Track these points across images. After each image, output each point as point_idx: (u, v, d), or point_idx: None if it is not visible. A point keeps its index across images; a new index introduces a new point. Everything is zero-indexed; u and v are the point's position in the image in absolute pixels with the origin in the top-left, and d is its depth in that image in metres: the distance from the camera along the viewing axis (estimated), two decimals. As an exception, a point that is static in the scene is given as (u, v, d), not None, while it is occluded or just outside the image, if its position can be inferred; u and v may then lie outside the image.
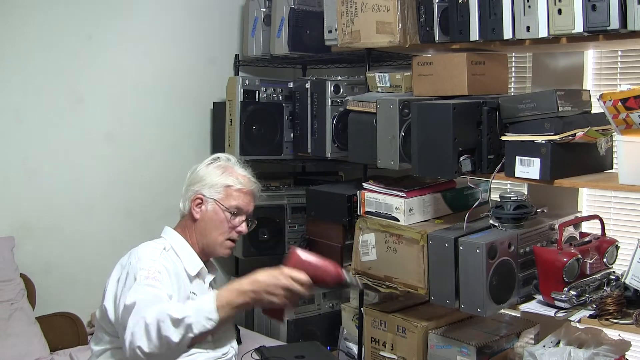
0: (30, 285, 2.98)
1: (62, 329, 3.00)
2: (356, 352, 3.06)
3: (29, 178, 3.10)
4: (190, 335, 1.69)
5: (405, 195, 2.61)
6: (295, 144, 3.38)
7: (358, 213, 2.79)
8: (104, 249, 3.35)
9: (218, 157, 2.28)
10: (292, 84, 3.46)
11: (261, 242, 3.36)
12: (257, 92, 3.43)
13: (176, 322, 1.69)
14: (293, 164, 3.88)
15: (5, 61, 3.01)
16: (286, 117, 3.47)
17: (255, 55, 3.55)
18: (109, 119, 3.34)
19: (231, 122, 3.42)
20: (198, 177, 2.22)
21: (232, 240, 2.24)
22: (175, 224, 2.31)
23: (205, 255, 2.26)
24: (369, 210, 2.74)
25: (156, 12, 3.49)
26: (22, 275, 2.94)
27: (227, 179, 2.22)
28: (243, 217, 2.24)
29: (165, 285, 1.96)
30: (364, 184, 2.81)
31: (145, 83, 3.46)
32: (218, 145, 3.58)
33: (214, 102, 3.66)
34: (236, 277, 2.28)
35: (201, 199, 2.19)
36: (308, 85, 3.18)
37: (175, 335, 1.68)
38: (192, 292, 2.16)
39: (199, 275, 2.22)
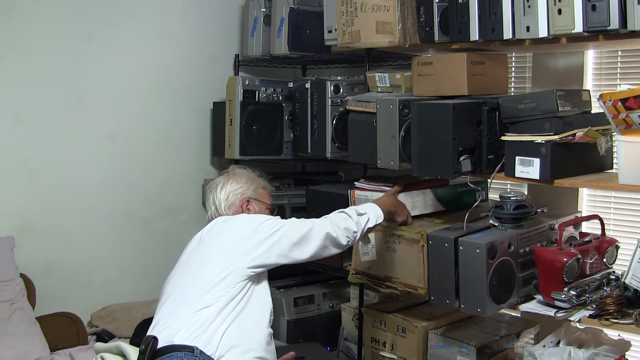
0: (30, 285, 2.98)
1: (62, 329, 3.00)
2: (356, 352, 3.06)
3: (29, 178, 3.10)
4: (369, 225, 2.41)
5: (395, 187, 2.66)
6: (295, 144, 3.38)
7: None
8: (104, 249, 3.35)
9: (236, 169, 2.62)
10: (292, 84, 3.46)
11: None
12: (257, 92, 3.43)
13: (361, 215, 2.39)
14: (293, 164, 3.88)
15: (5, 61, 3.02)
16: (286, 117, 3.47)
17: (255, 55, 3.54)
18: (109, 119, 3.34)
19: (231, 122, 3.42)
20: (235, 187, 2.50)
21: None
22: None
23: None
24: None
25: (156, 12, 3.49)
26: (22, 275, 2.94)
27: (260, 182, 2.57)
28: (275, 212, 2.56)
29: None
30: (355, 182, 2.83)
31: (145, 83, 3.46)
32: (218, 145, 3.59)
33: (214, 102, 3.66)
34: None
35: (248, 201, 2.49)
36: (308, 85, 3.18)
37: (364, 222, 2.39)
38: None
39: None
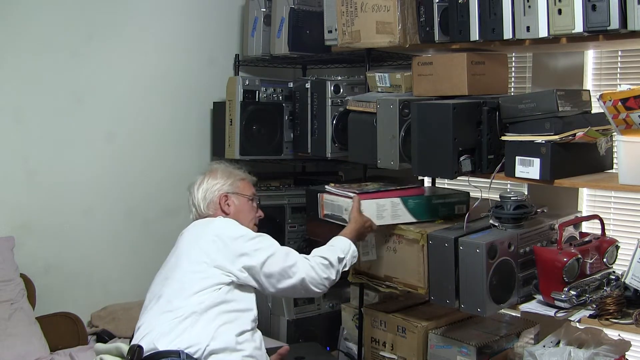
0: (30, 285, 2.97)
1: (62, 329, 3.00)
2: (356, 352, 3.06)
3: (29, 178, 3.10)
4: (346, 269, 2.40)
5: (356, 195, 2.56)
6: (295, 144, 3.38)
7: (318, 216, 2.74)
8: (104, 248, 3.35)
9: (214, 165, 2.58)
10: (292, 84, 3.46)
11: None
12: (257, 92, 3.43)
13: (341, 260, 2.35)
14: (293, 164, 3.88)
15: (5, 61, 3.01)
16: (286, 117, 3.47)
17: (255, 55, 3.54)
18: (109, 119, 3.34)
19: (231, 122, 3.41)
20: (212, 184, 2.46)
21: (256, 225, 2.52)
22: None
23: None
24: (327, 212, 2.70)
25: (156, 12, 3.49)
26: (22, 275, 2.94)
27: (235, 175, 2.51)
28: (257, 203, 2.56)
29: None
30: (325, 186, 2.74)
31: (145, 83, 3.46)
32: (218, 145, 3.58)
33: (214, 102, 3.66)
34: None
35: (227, 196, 2.45)
36: (308, 85, 3.18)
37: (341, 268, 2.35)
38: None
39: None
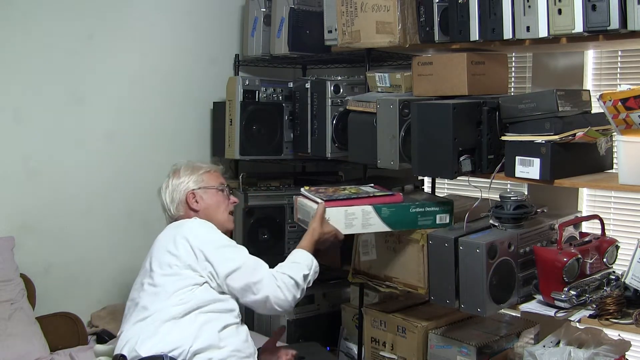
0: (30, 285, 2.98)
1: (62, 329, 3.00)
2: (356, 352, 3.06)
3: (29, 178, 3.10)
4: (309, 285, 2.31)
5: (321, 202, 2.43)
6: (295, 144, 3.38)
7: (293, 220, 2.66)
8: (104, 249, 3.35)
9: (176, 164, 2.55)
10: (292, 84, 3.46)
11: (261, 242, 3.35)
12: (257, 92, 3.43)
13: (305, 277, 2.28)
14: (293, 164, 3.88)
15: (5, 61, 3.01)
16: (286, 117, 3.47)
17: (255, 55, 3.54)
18: (109, 119, 3.34)
19: (231, 122, 3.41)
20: (176, 184, 2.45)
21: (231, 213, 2.52)
22: None
23: None
24: (299, 217, 2.59)
25: (156, 12, 3.49)
26: (22, 275, 2.94)
27: (199, 170, 2.49)
28: (228, 190, 2.53)
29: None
30: (301, 189, 2.61)
31: (145, 83, 3.46)
32: (218, 145, 3.59)
33: (214, 102, 3.66)
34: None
35: (193, 194, 2.43)
36: (308, 85, 3.18)
37: (305, 286, 2.28)
38: None
39: None
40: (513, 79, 3.13)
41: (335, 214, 2.42)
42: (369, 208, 2.45)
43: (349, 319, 3.20)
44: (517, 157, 2.36)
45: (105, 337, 3.09)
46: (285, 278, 2.24)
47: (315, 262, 2.34)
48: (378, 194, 2.50)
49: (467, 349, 2.51)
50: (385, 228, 2.48)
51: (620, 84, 2.57)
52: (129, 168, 3.41)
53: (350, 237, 2.71)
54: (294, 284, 2.24)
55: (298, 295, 2.26)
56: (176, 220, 2.42)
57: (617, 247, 2.48)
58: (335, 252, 2.79)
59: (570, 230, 2.57)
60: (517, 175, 2.37)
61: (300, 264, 2.30)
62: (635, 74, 2.77)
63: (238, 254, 2.27)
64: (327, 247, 2.46)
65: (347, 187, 2.61)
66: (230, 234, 2.46)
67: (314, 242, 2.37)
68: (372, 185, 2.65)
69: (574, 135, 2.27)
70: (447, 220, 2.54)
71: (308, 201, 2.50)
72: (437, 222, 2.52)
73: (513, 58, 3.11)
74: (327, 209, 2.41)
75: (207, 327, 2.16)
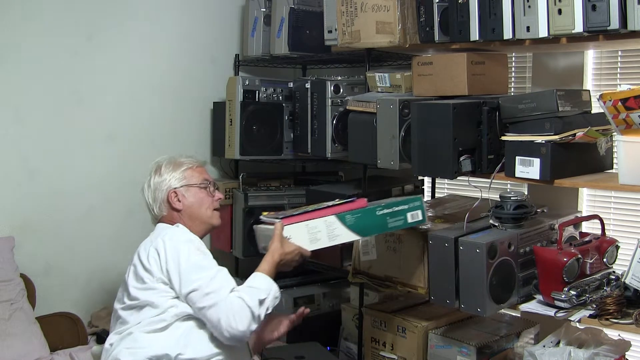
0: (30, 285, 2.97)
1: (62, 329, 3.00)
2: (356, 352, 3.06)
3: (29, 178, 3.10)
4: (268, 312, 2.15)
5: (279, 221, 2.25)
6: (295, 144, 3.38)
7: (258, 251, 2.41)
8: (104, 249, 3.35)
9: (158, 161, 2.46)
10: (292, 84, 3.46)
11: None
12: (257, 92, 3.43)
13: (262, 302, 2.12)
14: (293, 164, 3.88)
15: (5, 61, 3.01)
16: (286, 117, 3.47)
17: (255, 55, 3.55)
18: (109, 119, 3.34)
19: (231, 122, 3.42)
20: (158, 182, 2.39)
21: (216, 209, 2.43)
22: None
23: (202, 234, 2.40)
24: (262, 245, 2.31)
25: (156, 12, 3.49)
26: (22, 275, 2.94)
27: (181, 166, 2.41)
28: (213, 186, 2.44)
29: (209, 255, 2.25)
30: (260, 216, 2.38)
31: (145, 83, 3.46)
32: (218, 145, 3.59)
33: (214, 102, 3.66)
34: (236, 276, 2.30)
35: (175, 192, 2.36)
36: (308, 85, 3.18)
37: (262, 313, 2.12)
38: None
39: None
40: (513, 79, 3.13)
41: (296, 231, 2.23)
42: (332, 218, 2.26)
43: (349, 319, 3.20)
44: (517, 157, 2.36)
45: (105, 337, 3.06)
46: (241, 304, 2.08)
47: (275, 287, 2.17)
48: (339, 203, 2.33)
49: (467, 349, 2.51)
50: (353, 236, 2.30)
51: (620, 84, 2.57)
52: (128, 168, 3.41)
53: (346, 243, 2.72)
54: (249, 312, 2.07)
55: (253, 327, 2.09)
56: (160, 221, 2.39)
57: (617, 247, 2.48)
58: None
59: (570, 230, 2.57)
60: (517, 175, 2.37)
61: (258, 288, 2.13)
62: (635, 74, 2.77)
63: (201, 273, 2.14)
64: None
65: (310, 206, 2.43)
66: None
67: (275, 264, 2.19)
68: (338, 200, 2.45)
69: (574, 135, 2.27)
70: (420, 217, 2.40)
71: (267, 226, 2.29)
72: (410, 220, 2.37)
73: (513, 58, 3.11)
74: (285, 226, 2.22)
75: (193, 333, 2.15)
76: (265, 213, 2.38)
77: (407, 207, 2.36)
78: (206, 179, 2.42)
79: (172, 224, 2.35)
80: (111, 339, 2.24)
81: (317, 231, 2.24)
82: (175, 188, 2.36)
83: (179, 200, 2.35)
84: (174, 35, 3.57)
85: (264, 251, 2.26)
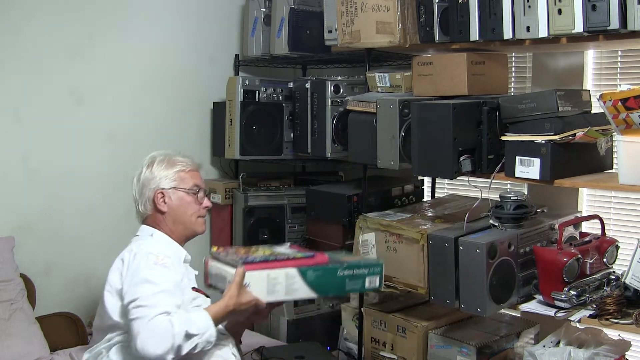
0: (30, 285, 2.97)
1: (62, 329, 3.00)
2: (356, 352, 3.06)
3: (29, 178, 3.10)
4: (194, 351, 2.02)
5: (241, 266, 2.12)
6: (295, 144, 3.38)
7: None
8: (104, 249, 3.34)
9: (153, 155, 2.40)
10: (292, 84, 3.46)
11: (261, 242, 3.35)
12: (257, 92, 3.43)
13: (189, 337, 1.99)
14: (293, 164, 3.88)
15: (5, 61, 3.01)
16: (286, 117, 3.47)
17: (255, 55, 3.55)
18: (109, 119, 3.34)
19: (231, 122, 3.42)
20: (148, 178, 2.34)
21: (202, 217, 2.40)
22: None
23: (184, 239, 2.39)
24: (211, 282, 2.24)
25: (156, 12, 3.49)
26: (22, 275, 2.94)
27: (175, 166, 2.35)
28: (202, 193, 2.39)
29: (173, 269, 2.19)
30: (211, 250, 2.29)
31: (145, 83, 3.46)
32: (218, 145, 3.59)
33: (214, 102, 3.66)
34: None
35: (162, 193, 2.32)
36: (308, 85, 3.18)
37: (186, 348, 1.99)
38: (187, 277, 2.33)
39: (185, 259, 2.38)
40: (513, 79, 3.13)
41: (257, 279, 2.12)
42: (294, 271, 2.14)
43: (349, 319, 3.20)
44: (517, 157, 2.36)
45: (105, 337, 3.09)
46: (166, 328, 1.97)
47: (211, 331, 2.05)
48: (299, 256, 2.23)
49: (467, 349, 2.51)
50: (310, 294, 2.19)
51: (620, 84, 2.57)
52: (128, 168, 3.37)
53: (346, 244, 2.70)
54: (170, 339, 1.96)
55: (170, 354, 1.95)
56: (144, 221, 2.38)
57: (617, 247, 2.48)
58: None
59: (570, 230, 2.57)
60: (517, 175, 2.37)
61: (193, 323, 2.02)
62: (635, 74, 2.77)
63: (145, 287, 2.06)
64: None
65: (260, 248, 2.35)
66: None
67: (227, 312, 2.08)
68: (289, 244, 2.42)
69: (574, 135, 2.27)
70: (377, 284, 2.30)
71: (222, 264, 2.19)
72: (367, 285, 2.27)
73: (513, 58, 3.11)
74: (247, 272, 2.10)
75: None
76: (215, 248, 2.28)
77: (367, 272, 2.27)
78: (197, 185, 2.36)
79: (155, 227, 2.35)
80: (92, 342, 2.25)
81: (277, 282, 2.14)
82: (163, 189, 2.31)
83: (165, 202, 2.31)
84: (174, 35, 3.57)
85: (210, 288, 2.24)
